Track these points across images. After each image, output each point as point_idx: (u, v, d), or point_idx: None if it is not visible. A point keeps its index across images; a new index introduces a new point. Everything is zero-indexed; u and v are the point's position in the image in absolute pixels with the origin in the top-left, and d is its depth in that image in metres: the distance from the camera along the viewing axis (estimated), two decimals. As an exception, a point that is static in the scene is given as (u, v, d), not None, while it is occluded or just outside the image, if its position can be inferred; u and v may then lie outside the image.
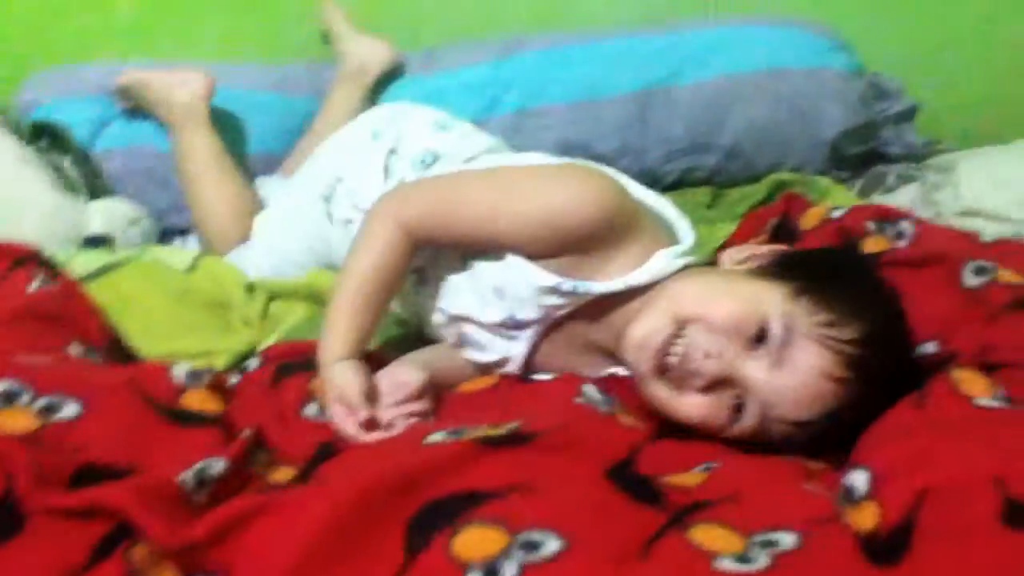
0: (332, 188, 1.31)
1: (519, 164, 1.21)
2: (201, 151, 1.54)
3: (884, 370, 0.88)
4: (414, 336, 1.16)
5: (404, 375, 0.96)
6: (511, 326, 1.04)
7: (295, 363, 1.01)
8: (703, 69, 1.67)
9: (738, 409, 0.90)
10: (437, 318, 1.10)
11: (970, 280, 1.02)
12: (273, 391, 0.98)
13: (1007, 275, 1.00)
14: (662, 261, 0.99)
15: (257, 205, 1.50)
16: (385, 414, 0.93)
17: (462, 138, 1.34)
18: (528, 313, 1.03)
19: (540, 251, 1.00)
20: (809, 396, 0.87)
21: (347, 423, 0.91)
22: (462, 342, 1.09)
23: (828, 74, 1.68)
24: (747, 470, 0.83)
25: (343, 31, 1.74)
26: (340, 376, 0.95)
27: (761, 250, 1.02)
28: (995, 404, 0.82)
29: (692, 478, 0.81)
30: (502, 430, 0.81)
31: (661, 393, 0.93)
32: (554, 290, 1.00)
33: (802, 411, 0.88)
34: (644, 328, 0.93)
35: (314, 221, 1.33)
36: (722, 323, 0.90)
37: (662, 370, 0.92)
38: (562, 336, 1.05)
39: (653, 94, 1.67)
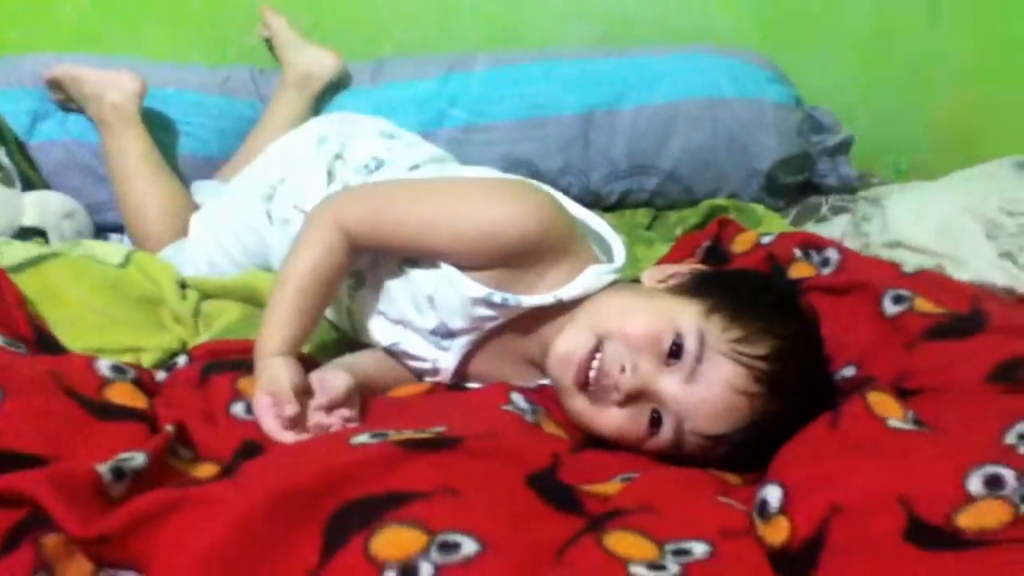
0: (274, 188, 1.31)
1: (462, 177, 1.23)
2: (131, 151, 1.53)
3: (794, 385, 0.91)
4: (347, 342, 1.16)
5: (332, 379, 0.96)
6: (443, 334, 1.05)
7: (224, 361, 1.00)
8: (645, 94, 1.70)
9: (655, 423, 0.92)
10: (376, 323, 1.10)
11: (890, 308, 1.05)
12: (200, 389, 0.97)
13: (923, 304, 1.03)
14: (592, 277, 1.01)
15: (190, 207, 1.49)
16: (311, 416, 0.93)
17: (407, 147, 1.35)
18: (459, 323, 1.04)
19: (475, 263, 1.01)
20: (721, 410, 0.90)
21: (269, 415, 0.91)
22: (396, 350, 1.09)
23: (766, 104, 1.72)
24: (665, 481, 0.85)
25: (288, 39, 1.73)
26: (274, 369, 0.95)
27: (681, 269, 1.05)
28: (907, 426, 0.84)
29: (611, 487, 0.83)
30: (427, 434, 0.82)
31: (581, 406, 0.95)
32: (484, 302, 1.01)
33: (715, 425, 0.90)
34: (566, 344, 0.96)
35: (253, 221, 1.33)
36: (638, 338, 0.92)
37: (583, 384, 0.94)
38: (494, 347, 1.06)
39: (597, 116, 1.69)
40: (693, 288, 0.98)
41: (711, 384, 0.90)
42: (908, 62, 1.99)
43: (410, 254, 1.05)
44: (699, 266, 1.09)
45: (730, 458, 0.92)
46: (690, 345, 0.90)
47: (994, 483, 0.72)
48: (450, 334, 1.05)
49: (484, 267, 1.01)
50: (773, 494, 0.78)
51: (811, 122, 1.78)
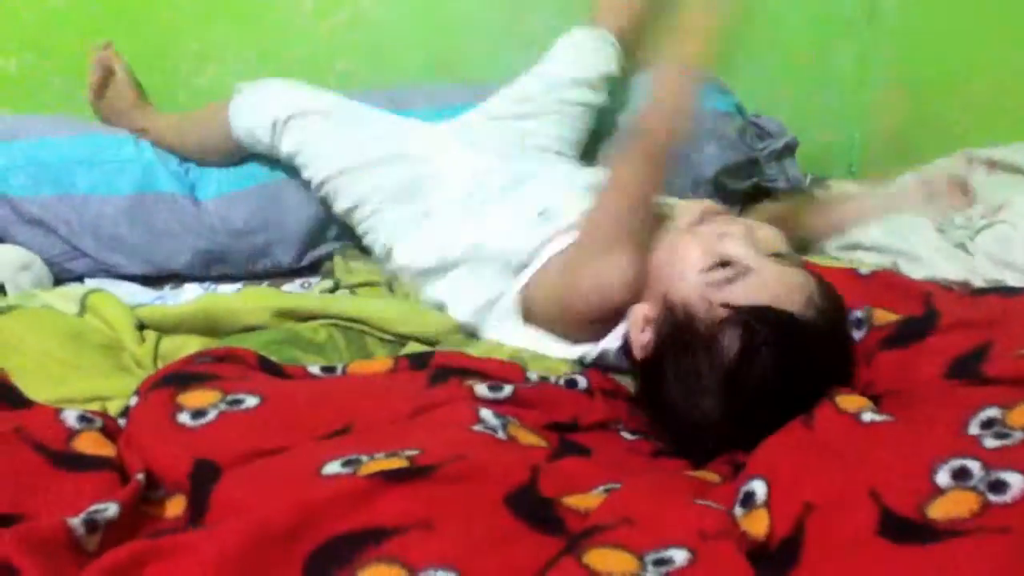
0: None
1: None
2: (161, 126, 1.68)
3: (832, 330, 1.01)
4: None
5: None
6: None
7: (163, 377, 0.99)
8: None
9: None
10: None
11: (853, 334, 1.08)
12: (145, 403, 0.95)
13: (881, 316, 1.07)
14: None
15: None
16: None
17: None
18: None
19: None
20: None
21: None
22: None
23: (704, 114, 1.70)
24: (642, 491, 0.84)
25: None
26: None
27: None
28: (878, 418, 0.86)
29: (591, 500, 0.82)
30: (400, 460, 0.81)
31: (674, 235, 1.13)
32: None
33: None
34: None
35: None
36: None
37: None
38: None
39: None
40: None
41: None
42: (849, 64, 2.03)
43: None
44: None
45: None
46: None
47: (961, 475, 0.74)
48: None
49: None
50: (760, 488, 0.80)
51: (755, 129, 1.79)
